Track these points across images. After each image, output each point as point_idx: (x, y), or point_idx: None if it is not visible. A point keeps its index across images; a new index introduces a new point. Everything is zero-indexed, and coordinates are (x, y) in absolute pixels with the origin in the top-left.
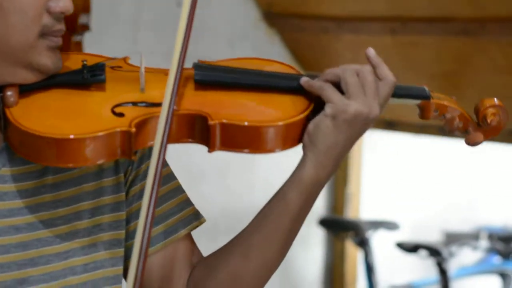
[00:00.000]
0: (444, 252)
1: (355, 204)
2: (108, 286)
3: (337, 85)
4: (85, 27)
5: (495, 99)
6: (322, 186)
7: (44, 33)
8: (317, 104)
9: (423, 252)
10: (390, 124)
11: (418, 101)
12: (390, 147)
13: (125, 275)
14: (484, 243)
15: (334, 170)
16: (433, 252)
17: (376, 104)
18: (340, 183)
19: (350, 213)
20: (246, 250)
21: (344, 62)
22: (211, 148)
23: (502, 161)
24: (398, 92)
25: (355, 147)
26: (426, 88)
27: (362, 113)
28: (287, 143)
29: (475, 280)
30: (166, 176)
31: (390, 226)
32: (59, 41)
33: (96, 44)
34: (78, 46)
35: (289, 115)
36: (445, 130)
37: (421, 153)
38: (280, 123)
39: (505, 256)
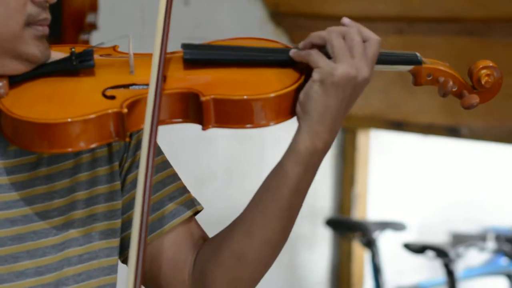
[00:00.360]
0: (451, 253)
1: (362, 205)
2: (104, 277)
3: (325, 49)
4: (93, 26)
5: (489, 61)
6: (321, 156)
7: (29, 23)
8: (308, 76)
9: (430, 253)
10: (397, 125)
11: (410, 67)
12: (397, 148)
13: (126, 264)
14: (491, 244)
15: (330, 139)
16: (440, 253)
17: (364, 65)
18: (347, 184)
19: (357, 214)
20: (248, 227)
21: None
22: (205, 126)
23: (510, 162)
24: (390, 59)
25: (362, 147)
26: (418, 54)
27: (350, 75)
28: (280, 116)
29: (482, 281)
30: (162, 163)
31: (397, 226)
32: (45, 30)
33: None
34: (85, 45)
35: (280, 87)
36: (440, 93)
37: (428, 153)
38: (272, 94)
39: None
